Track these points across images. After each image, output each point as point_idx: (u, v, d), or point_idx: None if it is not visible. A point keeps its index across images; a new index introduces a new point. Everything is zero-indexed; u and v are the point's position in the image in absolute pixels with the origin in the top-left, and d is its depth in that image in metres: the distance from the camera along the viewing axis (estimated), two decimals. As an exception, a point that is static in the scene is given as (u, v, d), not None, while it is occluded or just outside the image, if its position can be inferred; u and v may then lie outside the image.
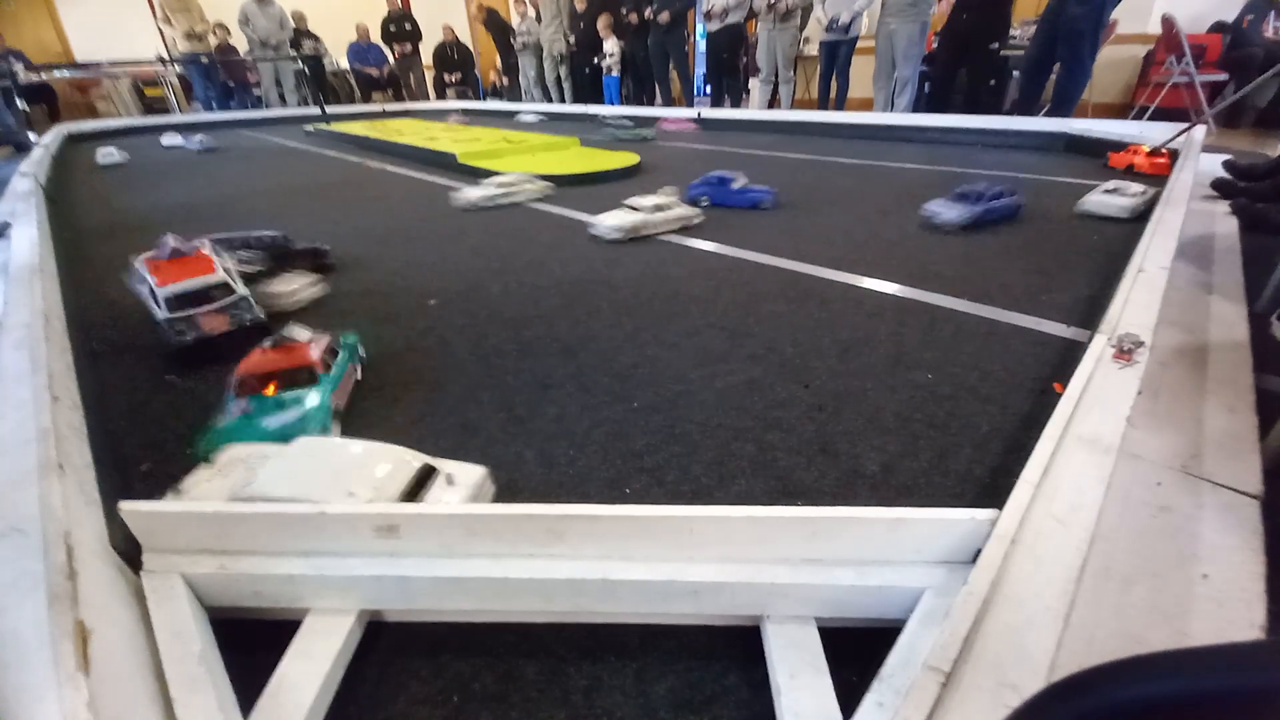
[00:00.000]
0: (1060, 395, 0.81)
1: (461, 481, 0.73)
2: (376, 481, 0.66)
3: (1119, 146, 2.88)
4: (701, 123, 5.23)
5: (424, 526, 0.59)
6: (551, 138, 4.14)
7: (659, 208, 2.00)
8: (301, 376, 0.93)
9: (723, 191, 2.35)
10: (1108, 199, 2.03)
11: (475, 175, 3.14)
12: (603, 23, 6.77)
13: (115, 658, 0.48)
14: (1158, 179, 2.53)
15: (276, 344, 0.97)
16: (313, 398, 0.91)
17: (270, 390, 0.92)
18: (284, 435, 0.84)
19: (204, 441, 0.86)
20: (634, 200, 2.01)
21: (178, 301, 1.19)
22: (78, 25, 8.46)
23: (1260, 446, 0.75)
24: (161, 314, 1.18)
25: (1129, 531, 0.60)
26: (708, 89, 6.95)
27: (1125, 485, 0.66)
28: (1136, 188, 2.05)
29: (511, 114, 6.66)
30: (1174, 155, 2.64)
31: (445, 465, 0.75)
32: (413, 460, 0.71)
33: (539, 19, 7.70)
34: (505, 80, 9.01)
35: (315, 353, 0.96)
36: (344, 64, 8.69)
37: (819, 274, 1.59)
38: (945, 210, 1.95)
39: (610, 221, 1.93)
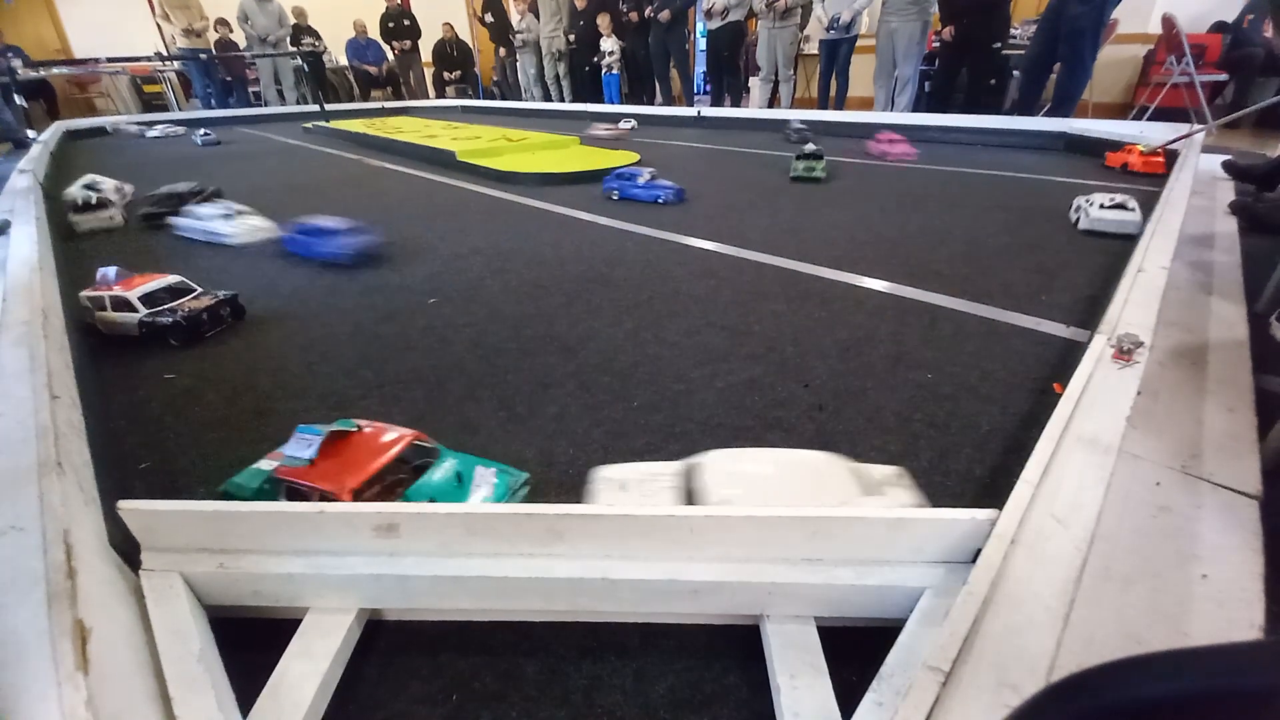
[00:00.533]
0: (1060, 395, 0.81)
1: (905, 482, 0.71)
2: (849, 486, 0.65)
3: (1118, 146, 2.89)
4: (913, 132, 3.74)
5: (423, 525, 0.58)
6: (552, 136, 4.13)
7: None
8: (405, 464, 0.75)
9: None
10: (1111, 215, 1.84)
11: (475, 173, 3.14)
12: (603, 21, 6.75)
13: (114, 656, 0.48)
14: (1150, 178, 2.56)
15: (328, 446, 0.70)
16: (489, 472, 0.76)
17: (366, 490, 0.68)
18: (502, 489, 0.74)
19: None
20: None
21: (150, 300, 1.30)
22: (77, 22, 8.45)
23: (1260, 446, 0.75)
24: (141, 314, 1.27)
25: (1129, 531, 0.60)
26: (707, 87, 6.94)
27: (1125, 485, 0.66)
28: (1132, 202, 1.87)
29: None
30: (1169, 155, 2.65)
31: (867, 466, 0.72)
32: (844, 462, 0.70)
33: (537, 16, 7.69)
34: (504, 53, 8.65)
35: (394, 433, 0.75)
36: (343, 60, 8.68)
37: (819, 273, 1.59)
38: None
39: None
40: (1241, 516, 0.63)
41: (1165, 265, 1.24)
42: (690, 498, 0.67)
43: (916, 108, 4.87)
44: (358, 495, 0.66)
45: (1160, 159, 2.64)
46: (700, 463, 0.71)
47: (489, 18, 8.16)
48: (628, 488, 0.70)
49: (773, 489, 0.66)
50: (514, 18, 8.06)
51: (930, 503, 0.70)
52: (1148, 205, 1.90)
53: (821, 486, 0.66)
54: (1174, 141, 2.73)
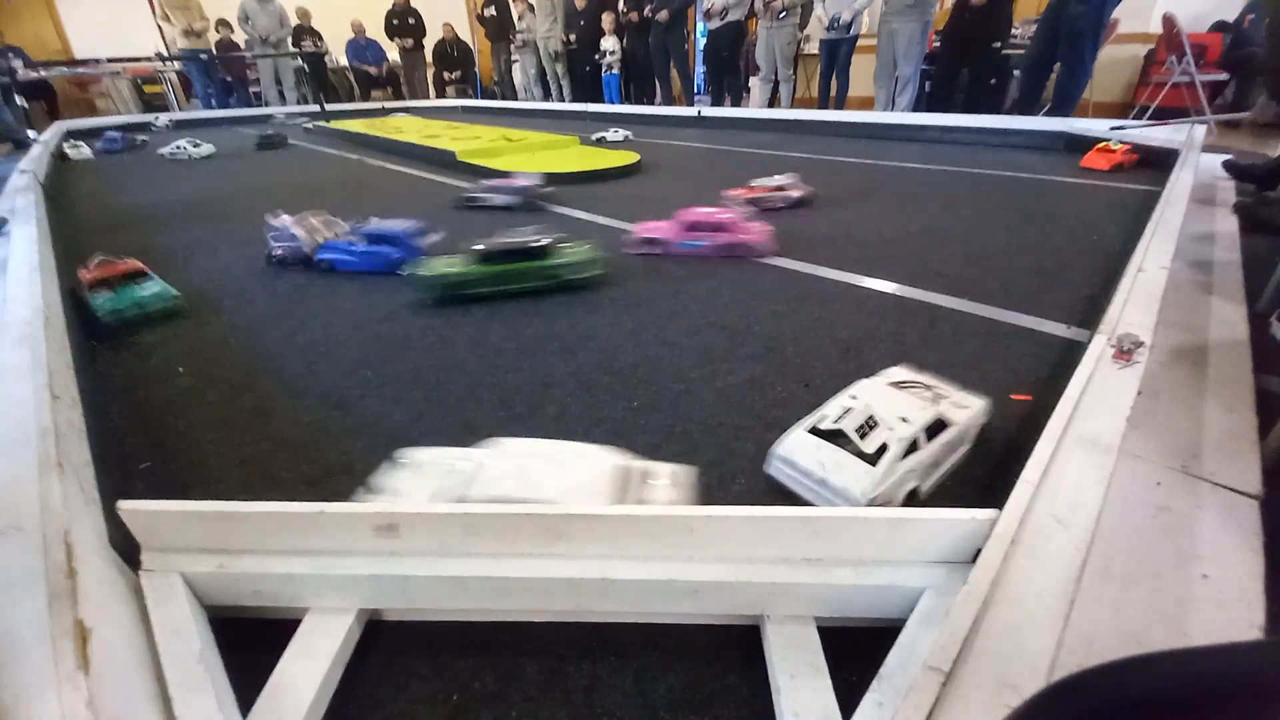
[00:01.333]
0: (1028, 403, 0.81)
1: (677, 480, 0.72)
2: (597, 478, 0.67)
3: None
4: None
5: (424, 526, 0.58)
6: (552, 136, 4.13)
7: None
8: (134, 278, 1.43)
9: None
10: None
11: (475, 173, 3.14)
12: (607, 20, 6.75)
13: (114, 656, 0.48)
14: (1122, 176, 2.66)
15: (100, 263, 1.45)
16: (156, 282, 1.44)
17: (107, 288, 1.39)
18: (152, 299, 1.39)
19: (109, 309, 1.33)
20: None
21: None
22: (77, 22, 8.44)
23: (1260, 446, 0.75)
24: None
25: (1129, 531, 0.60)
26: (708, 88, 6.94)
27: (1125, 485, 0.66)
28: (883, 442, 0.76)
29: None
30: (1149, 152, 2.75)
31: (646, 464, 0.74)
32: (619, 459, 0.72)
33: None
34: (512, 45, 8.40)
35: (139, 264, 1.48)
36: (344, 61, 8.68)
37: (819, 273, 1.59)
38: None
39: None
40: (1241, 516, 0.63)
41: (1165, 265, 1.24)
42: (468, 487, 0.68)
43: (917, 108, 4.87)
44: (90, 284, 1.39)
45: (1115, 153, 2.74)
46: (480, 455, 0.72)
47: (490, 11, 8.11)
48: (420, 472, 0.72)
49: (541, 482, 0.66)
50: (515, 15, 8.03)
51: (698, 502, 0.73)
52: (1147, 205, 1.89)
53: (585, 481, 0.67)
54: (1132, 127, 2.78)
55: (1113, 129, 2.76)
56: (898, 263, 1.65)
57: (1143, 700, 0.29)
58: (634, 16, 6.43)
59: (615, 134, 4.25)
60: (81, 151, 4.37)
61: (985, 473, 0.82)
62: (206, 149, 4.25)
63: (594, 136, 4.23)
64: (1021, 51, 4.47)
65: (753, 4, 5.53)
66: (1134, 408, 0.78)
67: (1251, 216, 1.84)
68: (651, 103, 6.81)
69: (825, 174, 3.03)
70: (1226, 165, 2.38)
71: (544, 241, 1.46)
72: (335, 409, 1.01)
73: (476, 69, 9.30)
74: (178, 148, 4.20)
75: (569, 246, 1.51)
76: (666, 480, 0.72)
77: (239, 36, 7.57)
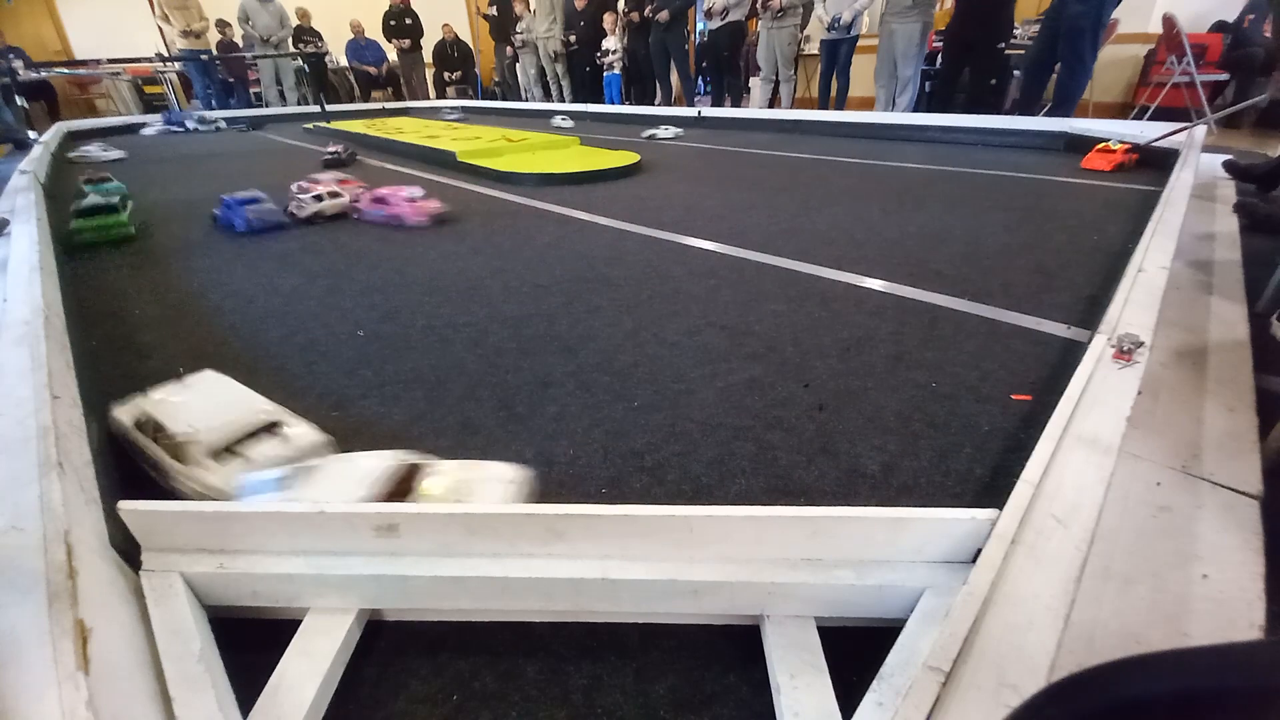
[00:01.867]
0: (1028, 402, 0.81)
1: (292, 439, 0.82)
2: (221, 423, 0.81)
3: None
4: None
5: (424, 526, 0.58)
6: (552, 136, 4.13)
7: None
8: (106, 180, 2.40)
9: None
10: None
11: (475, 173, 3.14)
12: (609, 20, 6.75)
13: (115, 656, 0.48)
14: (1116, 175, 2.70)
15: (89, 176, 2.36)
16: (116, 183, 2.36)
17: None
18: (112, 190, 2.24)
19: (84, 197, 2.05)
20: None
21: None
22: (77, 22, 8.45)
23: (1260, 446, 0.75)
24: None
25: (1129, 531, 0.60)
26: (708, 88, 6.94)
27: (1125, 485, 0.66)
28: None
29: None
30: (1152, 153, 2.77)
31: (291, 423, 0.85)
32: (261, 413, 0.84)
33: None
34: (511, 51, 8.42)
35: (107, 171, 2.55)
36: (344, 61, 8.68)
37: (819, 273, 1.59)
38: None
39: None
40: (1241, 516, 0.63)
41: (1165, 265, 1.24)
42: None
43: (917, 108, 4.87)
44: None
45: (1115, 153, 2.76)
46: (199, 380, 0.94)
47: (493, 10, 8.10)
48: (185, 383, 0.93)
49: (188, 409, 0.83)
50: (518, 9, 8.01)
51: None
52: (1147, 205, 1.89)
53: (208, 416, 0.82)
54: (1159, 140, 2.78)
55: (1171, 133, 2.77)
56: (898, 263, 1.65)
57: (1142, 700, 0.29)
58: (634, 16, 6.43)
59: (666, 130, 4.27)
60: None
61: (985, 472, 0.82)
62: (115, 153, 4.13)
63: (645, 134, 4.29)
64: (1023, 51, 4.47)
65: (753, 4, 5.52)
66: (1134, 408, 0.78)
67: (1252, 216, 1.84)
68: (652, 103, 6.81)
69: (825, 174, 3.03)
70: (1226, 165, 2.39)
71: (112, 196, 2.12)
72: (335, 409, 1.01)
73: (477, 69, 9.29)
74: (84, 152, 4.14)
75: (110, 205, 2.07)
76: (291, 438, 0.84)
77: (239, 36, 7.58)
